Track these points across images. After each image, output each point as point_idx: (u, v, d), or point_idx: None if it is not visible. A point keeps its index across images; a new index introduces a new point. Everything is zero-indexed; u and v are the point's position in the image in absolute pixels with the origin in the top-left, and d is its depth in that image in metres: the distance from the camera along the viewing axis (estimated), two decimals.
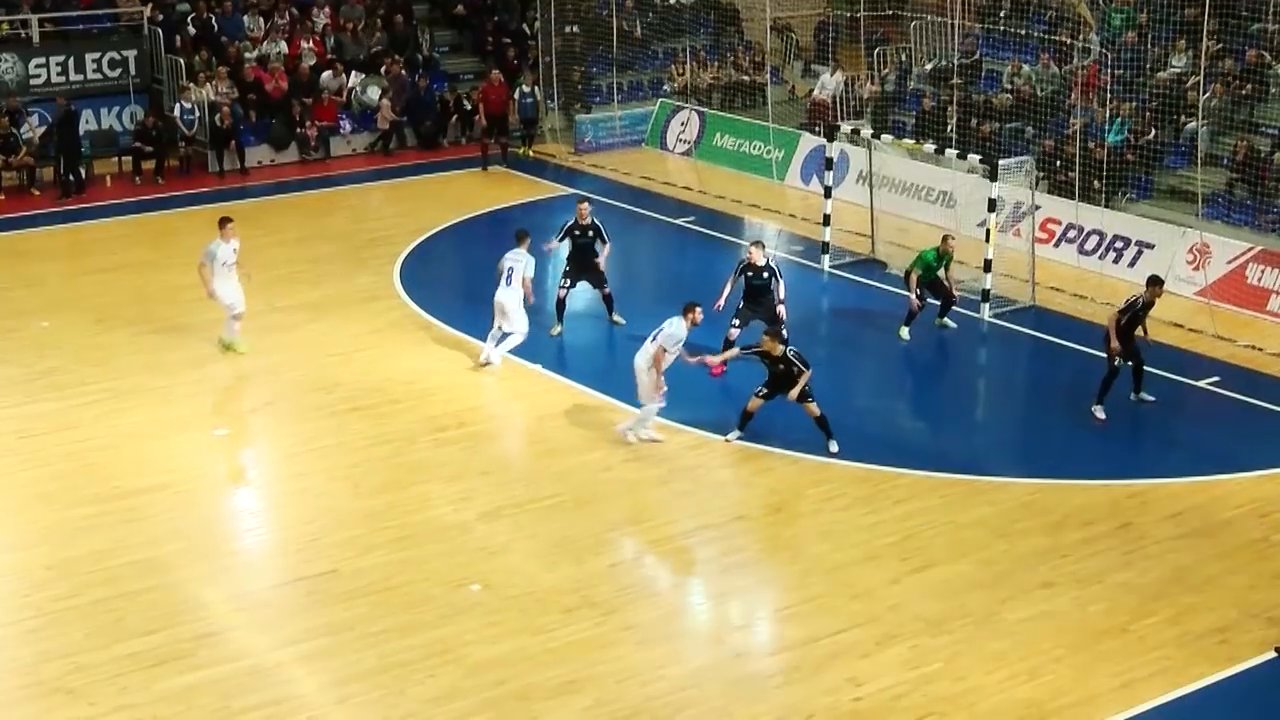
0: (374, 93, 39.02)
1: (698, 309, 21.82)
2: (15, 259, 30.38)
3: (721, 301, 24.22)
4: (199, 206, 34.07)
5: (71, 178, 34.80)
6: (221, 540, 19.84)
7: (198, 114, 36.54)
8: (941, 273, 26.08)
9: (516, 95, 38.68)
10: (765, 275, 24.33)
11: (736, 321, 24.32)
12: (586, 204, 26.50)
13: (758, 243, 24.99)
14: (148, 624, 17.25)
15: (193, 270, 24.89)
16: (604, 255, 26.12)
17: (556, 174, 37.04)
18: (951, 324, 26.51)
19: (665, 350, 21.58)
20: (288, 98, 38.06)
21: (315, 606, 17.79)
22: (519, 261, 24.56)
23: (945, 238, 26.31)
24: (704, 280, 27.75)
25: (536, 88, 39.23)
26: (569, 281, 26.19)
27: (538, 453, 21.98)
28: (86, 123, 36.70)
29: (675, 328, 21.60)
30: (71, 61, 36.97)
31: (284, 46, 39.34)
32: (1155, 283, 23.05)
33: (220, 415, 23.30)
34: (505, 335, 24.62)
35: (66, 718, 15.66)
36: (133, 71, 37.54)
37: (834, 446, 21.54)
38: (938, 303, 26.34)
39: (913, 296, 25.83)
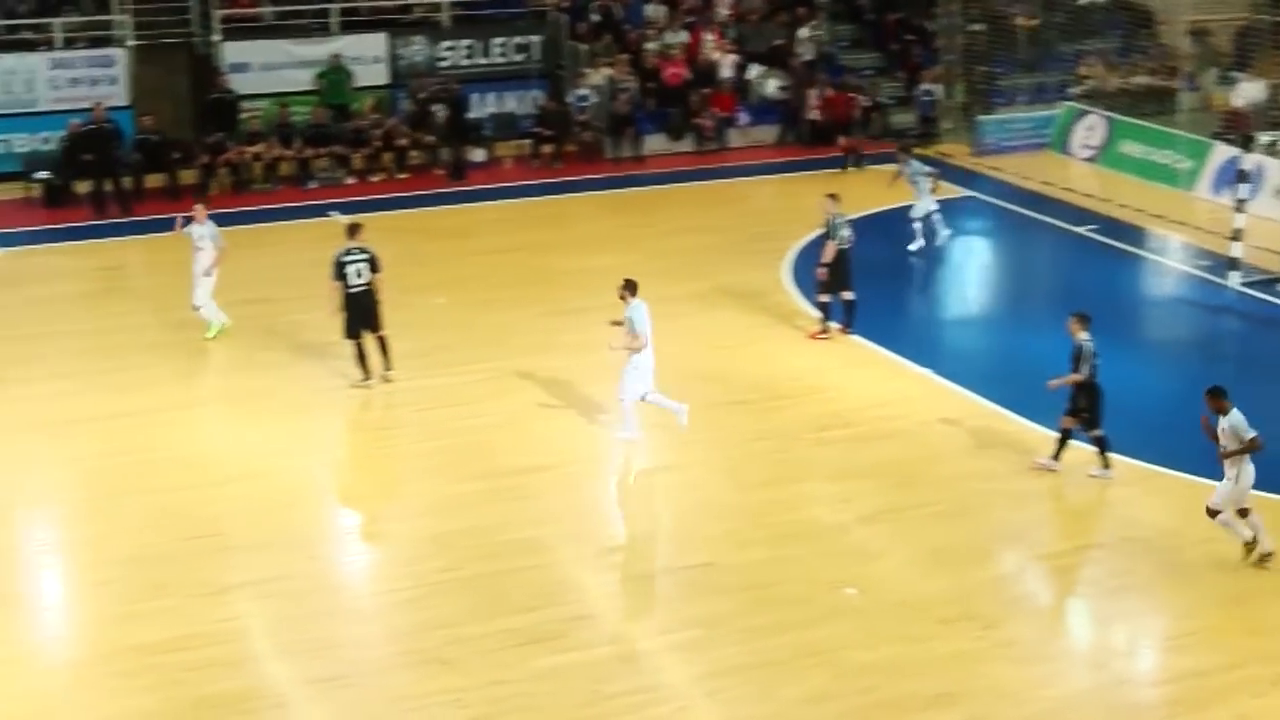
0: (772, 85, 38.94)
1: None
2: (413, 236, 31.15)
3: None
4: (592, 192, 34.59)
5: (454, 159, 35.69)
6: (601, 524, 20.01)
7: (596, 100, 36.99)
8: None
9: (917, 93, 38.18)
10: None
11: None
12: None
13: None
14: (525, 601, 17.44)
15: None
16: None
17: (954, 175, 36.30)
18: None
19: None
20: (686, 87, 38.23)
21: (689, 597, 17.75)
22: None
23: None
24: (1104, 291, 26.93)
25: (938, 86, 38.64)
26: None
27: (921, 458, 21.44)
28: (488, 106, 37.58)
29: None
30: (478, 46, 37.83)
31: (685, 35, 39.56)
32: None
33: (605, 400, 23.42)
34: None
35: (441, 687, 15.89)
36: (536, 57, 38.22)
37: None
38: None
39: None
